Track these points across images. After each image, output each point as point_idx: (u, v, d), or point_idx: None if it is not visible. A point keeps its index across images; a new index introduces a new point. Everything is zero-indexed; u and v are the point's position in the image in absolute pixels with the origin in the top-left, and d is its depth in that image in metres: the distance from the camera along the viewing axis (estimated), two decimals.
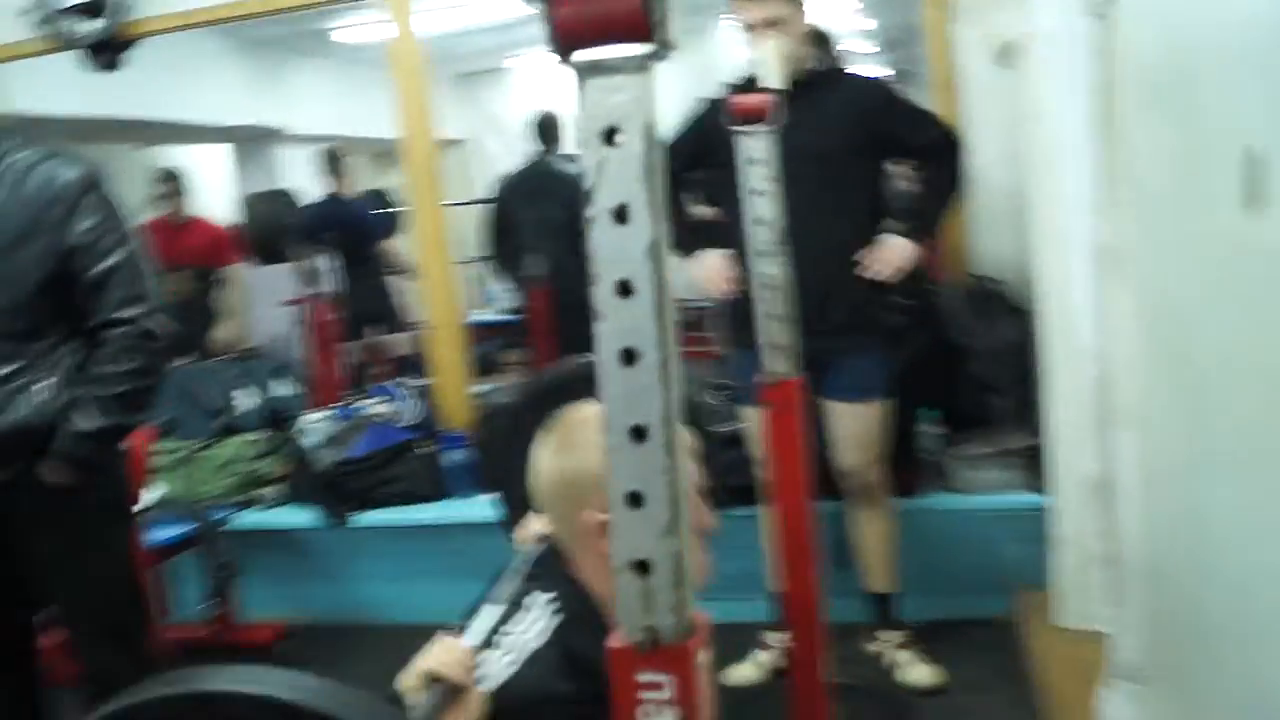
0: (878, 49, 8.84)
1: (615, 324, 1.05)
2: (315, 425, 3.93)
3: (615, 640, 1.06)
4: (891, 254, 3.11)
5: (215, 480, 3.97)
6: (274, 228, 5.74)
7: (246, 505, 4.03)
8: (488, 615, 1.58)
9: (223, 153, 8.19)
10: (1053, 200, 3.08)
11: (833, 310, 3.08)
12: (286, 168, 7.82)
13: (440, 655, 1.35)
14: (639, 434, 1.07)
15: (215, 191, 7.81)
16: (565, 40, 1.01)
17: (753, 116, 2.28)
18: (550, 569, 1.66)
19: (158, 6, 4.08)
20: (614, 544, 1.09)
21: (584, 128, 1.02)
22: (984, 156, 3.74)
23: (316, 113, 8.23)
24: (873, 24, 8.06)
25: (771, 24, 2.99)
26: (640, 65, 1.01)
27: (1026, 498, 3.49)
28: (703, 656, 1.08)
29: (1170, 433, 2.37)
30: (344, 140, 8.11)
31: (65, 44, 4.00)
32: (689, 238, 3.25)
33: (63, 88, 4.58)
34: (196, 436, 4.04)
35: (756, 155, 2.29)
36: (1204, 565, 2.12)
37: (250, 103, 7.51)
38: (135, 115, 6.20)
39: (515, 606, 1.63)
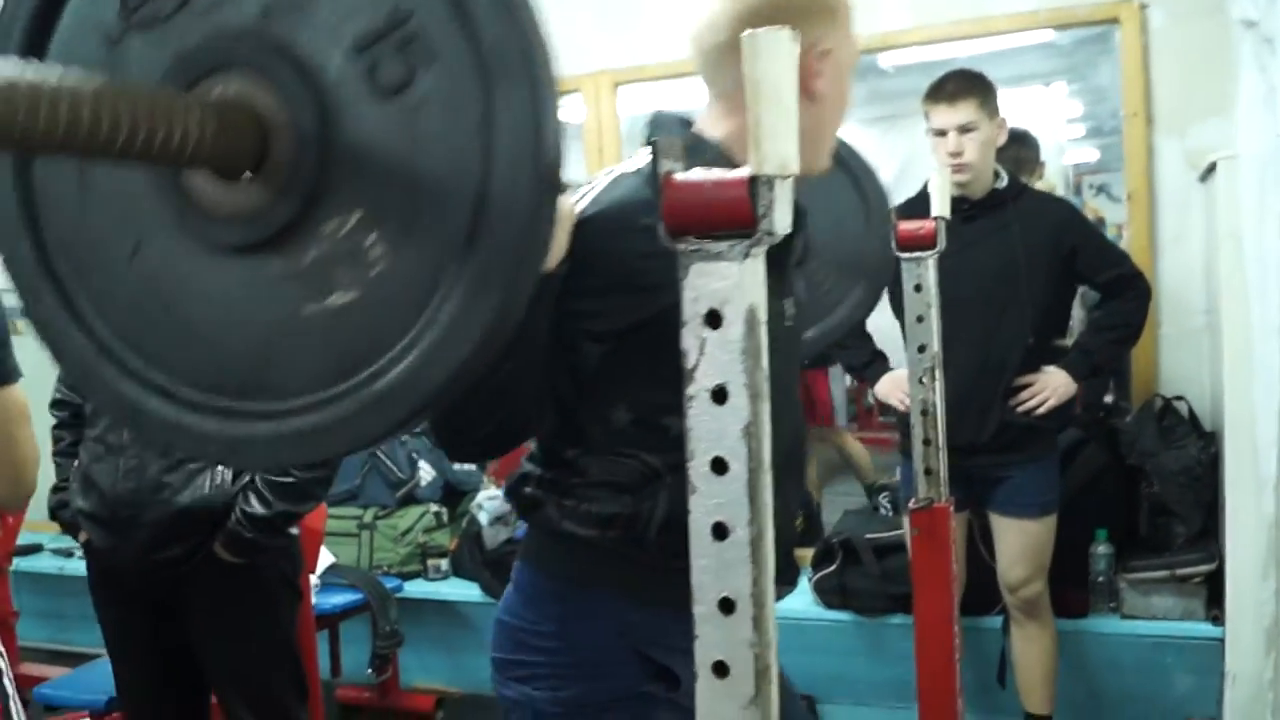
0: (1083, 135, 8.63)
1: (708, 500, 1.08)
2: (487, 502, 4.04)
3: None
4: (1048, 388, 3.06)
5: (391, 549, 4.11)
6: None
7: (416, 575, 4.15)
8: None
9: None
10: (1244, 324, 2.98)
11: (996, 428, 3.04)
12: None
13: None
14: (727, 606, 1.10)
15: None
16: (674, 227, 1.06)
17: (917, 243, 2.29)
18: (665, 126, 1.52)
19: None
20: (698, 709, 1.12)
21: (688, 310, 1.06)
22: (1177, 273, 3.63)
23: None
24: (1079, 110, 7.89)
25: (964, 130, 2.97)
26: (744, 253, 1.05)
27: (1200, 627, 3.34)
28: None
29: None
30: None
31: None
32: (865, 364, 3.26)
33: None
34: (377, 504, 4.20)
35: (919, 281, 2.29)
36: None
37: None
38: None
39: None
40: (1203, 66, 3.48)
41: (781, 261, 1.47)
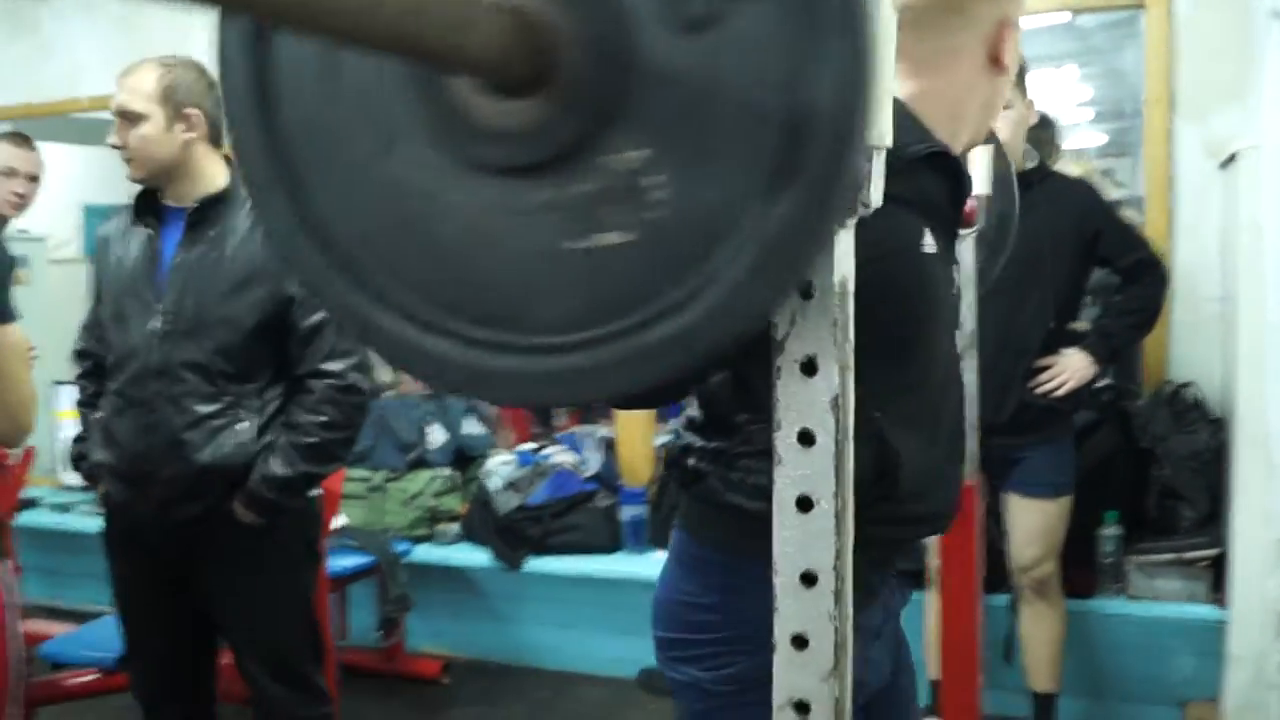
0: (1093, 119, 8.65)
1: (794, 471, 1.09)
2: (500, 468, 4.06)
3: None
4: (1067, 370, 3.10)
5: (400, 512, 4.11)
6: None
7: (425, 539, 4.15)
8: None
9: None
10: (1260, 313, 3.01)
11: (1014, 409, 3.06)
12: None
13: None
14: (809, 579, 1.11)
15: None
16: None
17: None
18: None
19: None
20: (776, 680, 1.13)
21: None
22: (1192, 259, 3.65)
23: None
24: (1089, 94, 7.90)
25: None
26: (839, 224, 1.05)
27: (1204, 610, 3.39)
28: None
29: None
30: None
31: None
32: None
33: None
34: (388, 467, 4.20)
35: (957, 259, 2.29)
36: None
37: None
38: None
39: None
40: (1226, 55, 3.49)
41: (952, 230, 1.49)
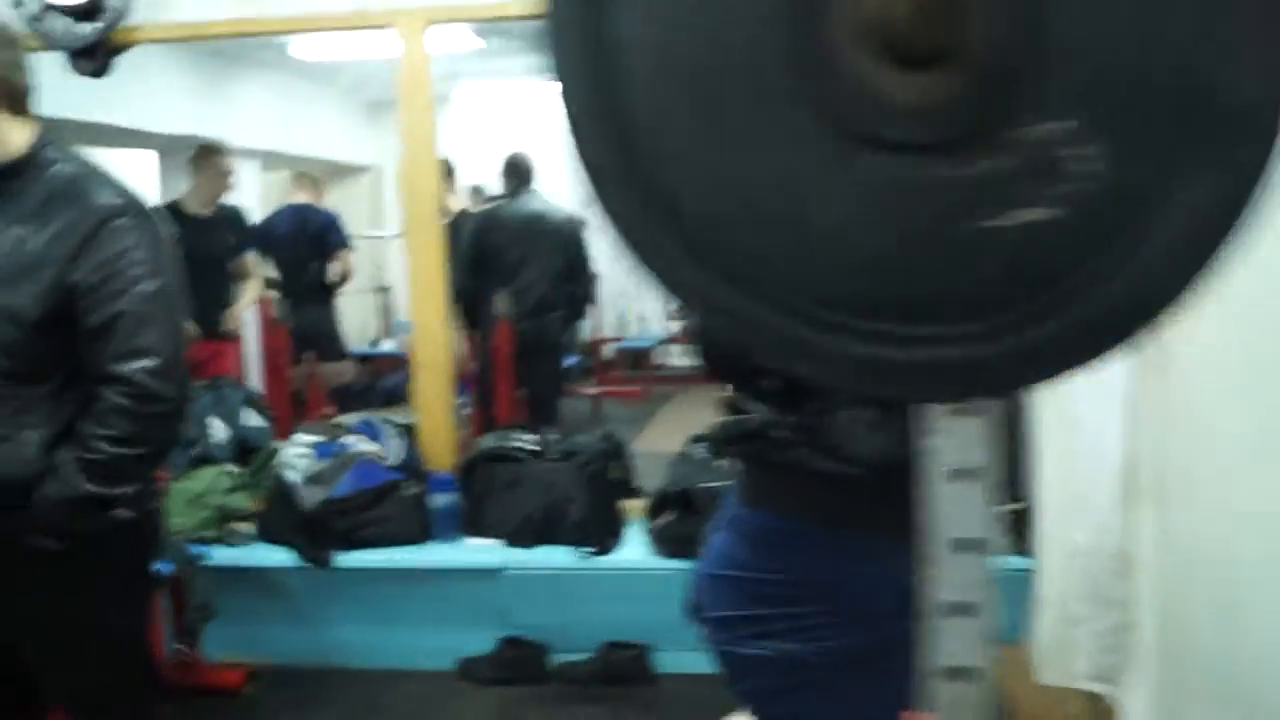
0: None
1: (949, 440, 1.08)
2: (297, 460, 3.81)
3: None
4: None
5: (187, 513, 3.79)
6: None
7: (214, 541, 3.84)
8: None
9: (151, 160, 7.72)
10: None
11: None
12: None
13: None
14: (967, 546, 1.11)
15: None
16: None
17: None
18: None
19: (154, 13, 3.94)
20: (933, 649, 1.13)
21: None
22: None
23: (259, 127, 7.80)
24: None
25: None
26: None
27: (1010, 559, 3.61)
28: None
29: (1196, 512, 2.51)
30: (283, 157, 7.92)
31: (54, 45, 3.82)
32: None
33: None
34: (168, 465, 3.84)
35: None
36: (1228, 632, 2.25)
37: (190, 111, 7.01)
38: (63, 115, 5.88)
39: None
40: None
41: None
